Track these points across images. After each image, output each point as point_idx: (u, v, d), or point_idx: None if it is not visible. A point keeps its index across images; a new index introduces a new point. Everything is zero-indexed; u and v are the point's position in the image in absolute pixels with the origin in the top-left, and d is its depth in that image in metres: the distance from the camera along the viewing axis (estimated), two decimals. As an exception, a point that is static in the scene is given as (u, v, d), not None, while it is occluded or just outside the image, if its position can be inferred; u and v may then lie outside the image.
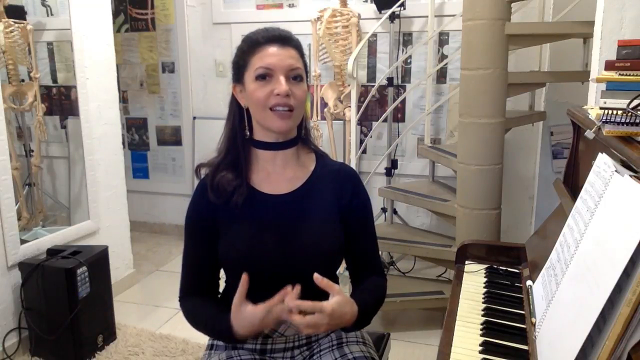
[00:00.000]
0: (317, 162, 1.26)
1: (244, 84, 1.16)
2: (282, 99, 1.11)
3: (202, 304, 1.22)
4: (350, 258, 1.28)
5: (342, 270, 2.90)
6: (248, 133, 1.20)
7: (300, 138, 1.24)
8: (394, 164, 3.36)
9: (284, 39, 1.15)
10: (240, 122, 1.20)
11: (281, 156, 1.21)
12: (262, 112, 1.13)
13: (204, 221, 1.20)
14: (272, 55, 1.12)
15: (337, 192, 1.23)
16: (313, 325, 1.03)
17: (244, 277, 1.06)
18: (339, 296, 1.06)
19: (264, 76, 1.12)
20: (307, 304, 1.02)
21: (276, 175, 1.21)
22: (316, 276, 1.04)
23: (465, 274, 1.44)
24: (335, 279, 1.30)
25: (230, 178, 1.18)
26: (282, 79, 1.11)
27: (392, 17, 3.12)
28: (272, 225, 1.18)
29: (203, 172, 1.24)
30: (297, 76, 1.14)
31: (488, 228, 2.25)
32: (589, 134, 1.11)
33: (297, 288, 1.04)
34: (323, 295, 1.19)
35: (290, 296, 1.03)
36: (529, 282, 1.21)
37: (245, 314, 1.07)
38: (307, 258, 1.17)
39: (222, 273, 1.27)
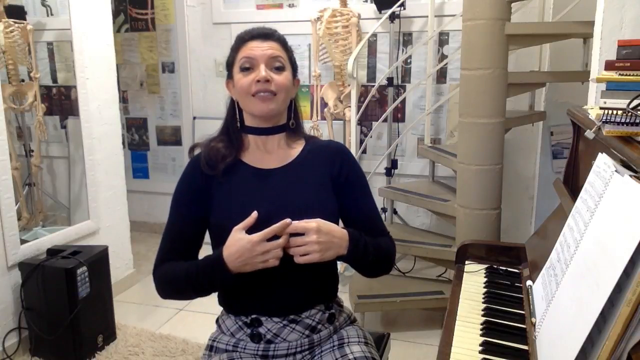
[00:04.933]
0: (307, 143, 1.32)
1: (233, 79, 1.24)
2: (262, 85, 1.19)
3: (181, 261, 1.22)
4: (351, 227, 1.28)
5: (342, 269, 2.90)
6: (239, 125, 1.27)
7: (289, 125, 1.29)
8: (394, 164, 3.36)
9: (266, 34, 1.23)
10: (232, 114, 1.28)
11: (271, 140, 1.28)
12: (246, 99, 1.22)
13: (195, 193, 1.25)
14: (254, 48, 1.21)
15: (328, 163, 1.28)
16: (305, 249, 1.09)
17: (254, 213, 1.13)
18: (320, 220, 1.12)
19: (248, 67, 1.21)
20: (296, 225, 1.09)
21: (267, 155, 1.28)
22: (287, 220, 1.09)
23: (465, 274, 1.44)
24: (335, 273, 1.31)
25: (220, 147, 1.26)
26: (262, 66, 1.19)
27: (392, 17, 3.12)
28: (265, 196, 1.22)
29: (196, 152, 1.30)
30: (279, 66, 1.22)
31: (488, 228, 2.25)
32: (589, 134, 1.11)
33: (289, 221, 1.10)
34: (314, 271, 1.18)
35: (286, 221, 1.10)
36: (529, 282, 1.21)
37: (239, 238, 1.10)
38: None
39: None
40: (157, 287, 1.24)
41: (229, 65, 1.26)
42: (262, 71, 1.18)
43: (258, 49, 1.20)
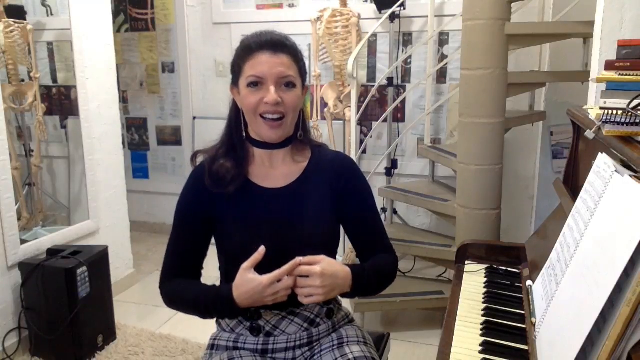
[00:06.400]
0: (313, 155, 1.29)
1: (239, 88, 1.20)
2: (271, 107, 1.14)
3: (190, 282, 1.25)
4: (356, 242, 1.31)
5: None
6: (245, 134, 1.24)
7: (296, 137, 1.26)
8: (394, 164, 3.36)
9: (276, 45, 1.16)
10: (236, 121, 1.25)
11: (277, 154, 1.25)
12: (253, 117, 1.18)
13: (199, 208, 1.24)
14: (262, 63, 1.14)
15: (332, 181, 1.26)
16: (310, 292, 1.10)
17: (261, 249, 1.11)
18: (324, 260, 1.12)
19: (256, 83, 1.15)
20: (301, 268, 1.10)
21: (273, 171, 1.26)
22: (297, 260, 1.10)
23: (465, 274, 1.44)
24: None
25: (229, 167, 1.22)
26: (272, 88, 1.14)
27: (392, 17, 3.12)
28: (268, 218, 1.22)
29: (199, 159, 1.28)
30: (289, 83, 1.16)
31: (488, 228, 2.25)
32: (589, 134, 1.11)
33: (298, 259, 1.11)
34: None
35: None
36: (529, 282, 1.21)
37: (249, 280, 1.10)
38: (302, 249, 1.18)
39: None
40: (165, 302, 1.26)
41: (235, 72, 1.21)
42: (272, 93, 1.13)
43: (267, 65, 1.13)
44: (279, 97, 1.14)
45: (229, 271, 1.26)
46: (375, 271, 1.24)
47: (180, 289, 1.24)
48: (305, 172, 1.26)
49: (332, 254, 1.29)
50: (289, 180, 1.25)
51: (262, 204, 1.23)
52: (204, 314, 1.22)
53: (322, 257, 1.12)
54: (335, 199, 1.26)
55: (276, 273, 1.09)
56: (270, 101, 1.13)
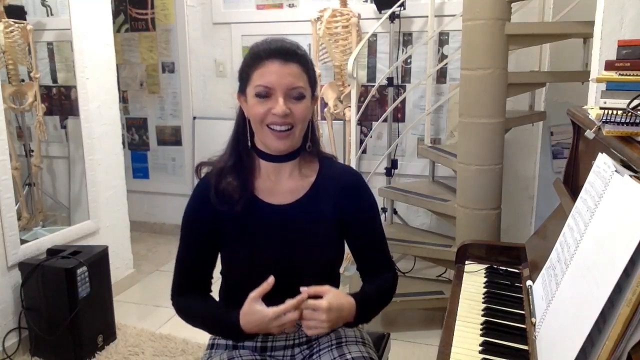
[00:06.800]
0: (320, 169, 1.25)
1: (246, 96, 1.16)
2: (279, 119, 1.11)
3: (201, 299, 1.25)
4: (358, 259, 1.31)
5: (342, 270, 2.90)
6: (250, 144, 1.20)
7: (304, 149, 1.22)
8: (394, 164, 3.36)
9: (286, 54, 1.11)
10: (243, 129, 1.21)
11: (284, 167, 1.21)
12: (260, 127, 1.14)
13: (204, 222, 1.22)
14: (271, 73, 1.10)
15: (338, 200, 1.23)
16: (315, 325, 1.08)
17: (270, 279, 1.09)
18: (330, 292, 1.10)
19: (264, 93, 1.11)
20: (308, 304, 1.07)
21: (279, 185, 1.22)
22: (303, 290, 1.08)
23: (465, 274, 1.44)
24: (337, 280, 1.31)
25: (236, 185, 1.18)
26: (280, 99, 1.10)
27: (392, 17, 3.12)
28: (274, 235, 1.20)
29: (204, 171, 1.25)
30: (299, 95, 1.12)
31: (488, 228, 2.25)
32: (589, 134, 1.11)
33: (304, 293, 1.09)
34: (315, 277, 1.20)
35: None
36: (529, 282, 1.21)
37: (256, 311, 1.09)
38: (307, 267, 1.19)
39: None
40: (177, 313, 1.28)
41: (242, 79, 1.16)
42: (281, 105, 1.09)
43: (276, 75, 1.09)
44: (287, 109, 1.10)
45: (228, 278, 1.27)
46: (377, 297, 1.25)
47: (191, 307, 1.25)
48: (312, 188, 1.23)
49: (337, 269, 1.30)
50: (296, 196, 1.22)
51: (268, 222, 1.20)
52: (213, 334, 1.25)
53: (327, 288, 1.10)
54: (340, 216, 1.23)
55: (282, 307, 1.07)
56: (279, 112, 1.09)
